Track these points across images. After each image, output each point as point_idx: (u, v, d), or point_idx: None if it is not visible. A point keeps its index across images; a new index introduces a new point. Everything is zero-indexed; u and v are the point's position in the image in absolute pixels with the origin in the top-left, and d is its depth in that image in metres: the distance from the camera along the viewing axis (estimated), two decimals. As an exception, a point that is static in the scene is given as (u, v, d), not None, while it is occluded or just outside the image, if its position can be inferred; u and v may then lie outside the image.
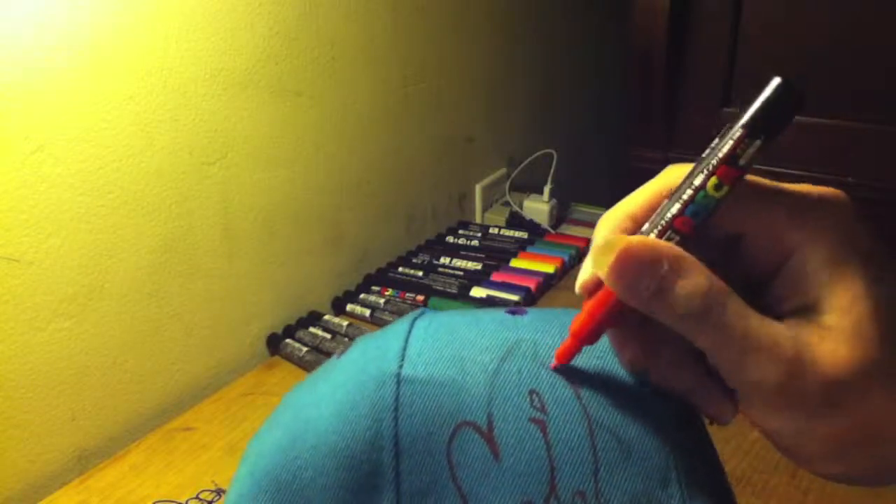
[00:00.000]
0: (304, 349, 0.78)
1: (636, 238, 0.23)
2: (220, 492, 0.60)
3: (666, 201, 0.24)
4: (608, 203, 0.27)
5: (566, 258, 0.97)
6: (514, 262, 0.97)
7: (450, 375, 0.27)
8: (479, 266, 0.96)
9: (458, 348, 0.28)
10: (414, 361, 0.27)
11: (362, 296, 0.90)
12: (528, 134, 1.31)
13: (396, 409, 0.26)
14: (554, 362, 0.26)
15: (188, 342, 0.74)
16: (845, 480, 0.24)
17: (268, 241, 0.81)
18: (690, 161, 0.25)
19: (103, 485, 0.62)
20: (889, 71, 0.98)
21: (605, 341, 0.27)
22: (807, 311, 0.23)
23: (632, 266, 0.23)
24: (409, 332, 0.29)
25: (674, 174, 0.25)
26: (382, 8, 0.90)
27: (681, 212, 0.23)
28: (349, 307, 0.89)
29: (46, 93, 0.58)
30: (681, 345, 0.25)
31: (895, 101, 0.98)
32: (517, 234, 1.06)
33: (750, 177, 0.24)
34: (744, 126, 0.23)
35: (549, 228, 1.11)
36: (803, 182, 0.24)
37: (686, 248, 0.23)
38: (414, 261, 0.99)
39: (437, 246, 1.04)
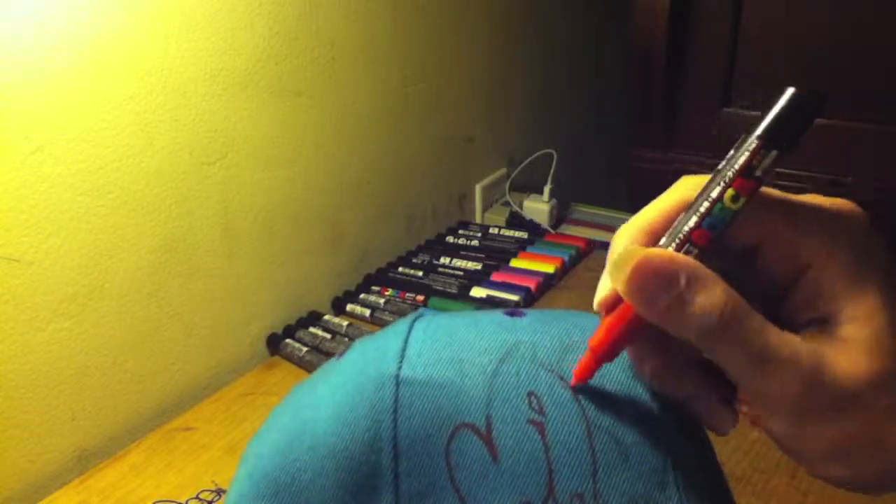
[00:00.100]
0: (304, 349, 0.78)
1: (654, 250, 0.23)
2: (220, 492, 0.60)
3: (682, 214, 0.24)
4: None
5: (566, 258, 0.97)
6: (514, 262, 0.97)
7: (448, 377, 0.27)
8: (479, 266, 0.96)
9: (456, 350, 0.28)
10: (413, 363, 0.27)
11: (362, 296, 0.90)
12: (528, 134, 1.31)
13: (395, 410, 0.26)
14: (573, 380, 0.26)
15: (188, 342, 0.74)
16: (846, 485, 0.24)
17: (268, 241, 0.81)
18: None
19: (103, 485, 0.62)
20: (889, 71, 0.98)
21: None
22: (823, 323, 0.23)
23: (650, 278, 0.22)
24: (409, 333, 0.29)
25: (687, 185, 0.25)
26: (382, 8, 0.90)
27: (698, 224, 0.23)
28: (349, 307, 0.89)
29: (46, 93, 0.58)
30: (685, 354, 0.25)
31: (895, 101, 0.98)
32: (517, 234, 1.06)
33: (765, 188, 0.24)
34: (759, 137, 0.23)
35: (549, 228, 1.11)
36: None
37: (703, 262, 0.23)
38: (414, 261, 0.99)
39: (437, 246, 1.04)
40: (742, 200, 0.23)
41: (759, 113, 0.23)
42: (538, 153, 1.20)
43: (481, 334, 0.28)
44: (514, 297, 0.87)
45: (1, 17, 0.54)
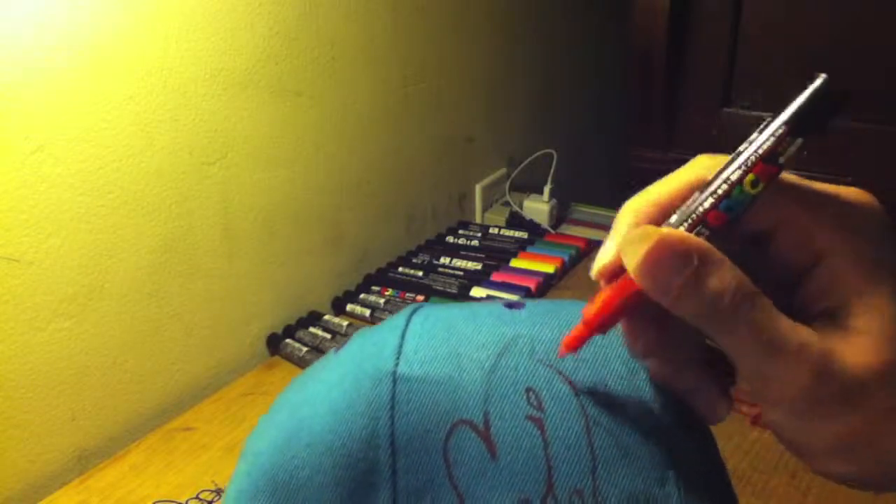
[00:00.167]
0: (304, 349, 0.78)
1: (673, 231, 0.22)
2: (219, 492, 0.60)
3: (697, 193, 0.23)
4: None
5: (566, 258, 0.97)
6: (514, 262, 0.97)
7: (446, 373, 0.27)
8: (479, 266, 0.96)
9: (454, 345, 0.27)
10: (410, 359, 0.27)
11: (362, 296, 0.90)
12: (528, 134, 1.31)
13: (393, 407, 0.26)
14: (562, 350, 0.25)
15: (188, 342, 0.74)
16: (849, 481, 0.24)
17: (268, 241, 0.81)
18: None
19: (103, 485, 0.62)
20: (889, 71, 0.98)
21: (605, 336, 0.26)
22: (834, 315, 0.23)
23: (665, 258, 0.22)
24: (406, 328, 0.29)
25: (703, 165, 0.24)
26: (382, 8, 0.90)
27: (714, 206, 0.23)
28: (349, 307, 0.89)
29: (46, 93, 0.58)
30: (684, 343, 0.24)
31: (895, 101, 0.98)
32: (517, 234, 1.06)
33: (784, 174, 0.23)
34: (786, 123, 0.22)
35: (549, 228, 1.11)
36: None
37: (711, 244, 0.22)
38: (414, 261, 0.99)
39: (437, 246, 1.04)
40: (762, 185, 0.22)
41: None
42: (538, 153, 1.19)
43: (479, 328, 0.28)
44: (515, 298, 0.87)
45: (1, 17, 0.54)
